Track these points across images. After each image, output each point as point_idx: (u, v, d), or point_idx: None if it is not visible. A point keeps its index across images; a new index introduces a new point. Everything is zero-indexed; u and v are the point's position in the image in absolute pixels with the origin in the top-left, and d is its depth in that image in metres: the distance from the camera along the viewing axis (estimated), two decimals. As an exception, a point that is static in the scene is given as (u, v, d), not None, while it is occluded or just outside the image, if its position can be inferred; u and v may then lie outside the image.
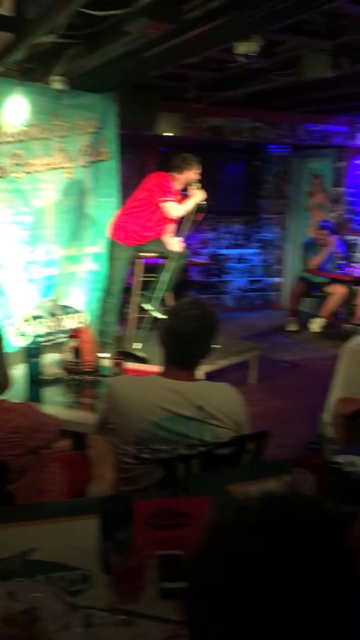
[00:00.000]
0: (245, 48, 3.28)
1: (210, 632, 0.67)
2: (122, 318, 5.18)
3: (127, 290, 5.11)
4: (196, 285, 7.46)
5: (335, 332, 6.56)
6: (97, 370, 3.27)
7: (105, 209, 5.17)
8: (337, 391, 3.41)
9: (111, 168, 5.22)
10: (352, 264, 6.89)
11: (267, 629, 0.64)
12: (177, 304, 2.38)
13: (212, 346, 2.10)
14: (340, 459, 1.91)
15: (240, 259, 8.00)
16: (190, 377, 2.08)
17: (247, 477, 1.95)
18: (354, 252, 7.33)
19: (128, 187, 5.25)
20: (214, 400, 2.04)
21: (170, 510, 1.58)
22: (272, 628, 0.64)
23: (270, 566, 0.66)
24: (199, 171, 4.86)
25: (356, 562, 0.70)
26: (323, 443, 1.70)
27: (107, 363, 3.31)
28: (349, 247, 7.31)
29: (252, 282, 8.07)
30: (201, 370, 3.57)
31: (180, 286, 5.61)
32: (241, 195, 7.84)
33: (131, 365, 3.38)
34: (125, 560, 1.29)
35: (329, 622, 0.65)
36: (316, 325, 6.71)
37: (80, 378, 3.21)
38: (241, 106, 6.24)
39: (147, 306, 5.03)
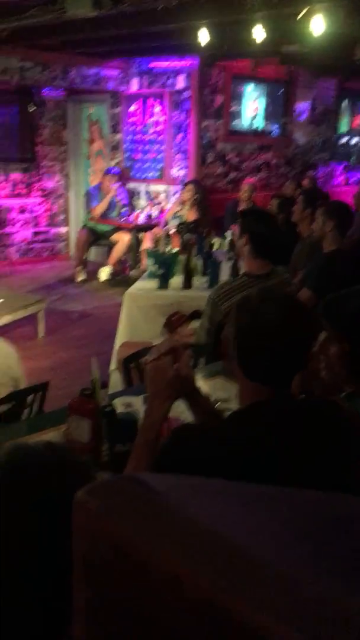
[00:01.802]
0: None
1: None
2: None
3: None
4: (-24, 238, 6.99)
5: (123, 280, 6.69)
6: None
7: None
8: (121, 336, 3.48)
9: None
10: (135, 212, 7.02)
11: None
12: None
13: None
14: (117, 400, 1.96)
15: (23, 210, 7.65)
16: None
17: (27, 431, 1.91)
18: (137, 200, 7.46)
19: None
20: (-14, 358, 1.94)
21: None
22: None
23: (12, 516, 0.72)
24: None
25: None
26: (95, 388, 1.71)
27: None
28: (131, 194, 7.42)
29: (36, 233, 7.81)
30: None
31: None
32: (17, 141, 7.42)
33: None
34: None
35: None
36: (104, 274, 6.76)
37: None
38: (6, 43, 5.81)
39: None
